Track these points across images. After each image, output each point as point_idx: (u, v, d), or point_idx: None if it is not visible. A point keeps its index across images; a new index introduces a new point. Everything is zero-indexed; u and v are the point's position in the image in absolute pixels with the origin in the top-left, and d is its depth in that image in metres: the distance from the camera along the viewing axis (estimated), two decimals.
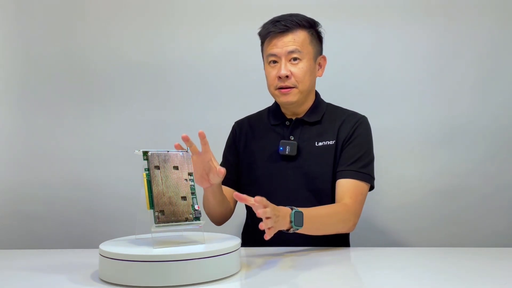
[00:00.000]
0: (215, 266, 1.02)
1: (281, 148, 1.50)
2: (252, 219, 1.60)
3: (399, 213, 2.02)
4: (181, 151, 1.17)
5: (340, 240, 1.52)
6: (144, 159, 1.11)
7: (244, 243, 1.51)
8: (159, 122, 2.10)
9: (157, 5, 2.11)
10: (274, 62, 1.48)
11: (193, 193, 1.13)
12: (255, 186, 1.54)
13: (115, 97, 2.12)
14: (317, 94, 1.59)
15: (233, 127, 1.67)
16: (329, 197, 1.48)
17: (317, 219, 1.31)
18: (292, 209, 1.21)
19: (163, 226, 1.06)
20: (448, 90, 2.01)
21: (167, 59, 2.10)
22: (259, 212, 1.08)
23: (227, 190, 1.57)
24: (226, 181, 1.53)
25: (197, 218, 1.11)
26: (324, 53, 1.57)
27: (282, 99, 1.49)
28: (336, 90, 1.88)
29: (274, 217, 1.12)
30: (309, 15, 1.52)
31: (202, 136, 1.24)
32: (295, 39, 1.46)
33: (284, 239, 1.43)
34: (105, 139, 2.12)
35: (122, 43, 2.12)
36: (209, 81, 2.09)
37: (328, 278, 1.09)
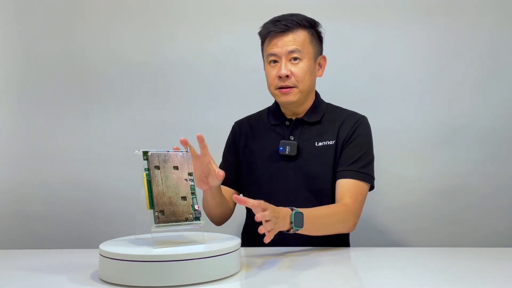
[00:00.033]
0: (215, 266, 1.02)
1: (281, 148, 1.50)
2: (252, 219, 1.60)
3: (399, 213, 2.02)
4: (181, 151, 1.17)
5: (340, 240, 1.52)
6: (144, 159, 1.11)
7: (244, 243, 1.51)
8: (159, 122, 2.10)
9: (157, 5, 2.11)
10: (274, 61, 1.48)
11: (193, 193, 1.13)
12: (255, 186, 1.54)
13: (115, 97, 2.12)
14: (317, 94, 1.59)
15: (233, 127, 1.67)
16: (329, 197, 1.48)
17: (317, 219, 1.31)
18: (292, 209, 1.21)
19: (163, 226, 1.06)
20: (448, 90, 2.01)
21: (167, 59, 2.10)
22: (258, 216, 1.08)
23: (226, 190, 1.57)
24: (226, 181, 1.53)
25: (197, 218, 1.11)
26: (324, 53, 1.57)
27: (282, 99, 1.49)
28: (336, 90, 1.88)
29: (274, 219, 1.12)
30: (309, 15, 1.52)
31: (200, 140, 1.24)
32: (296, 39, 1.46)
33: (284, 239, 1.43)
34: (105, 139, 2.12)
35: (122, 43, 2.12)
36: (209, 81, 2.09)
37: (328, 278, 1.09)
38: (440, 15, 2.01)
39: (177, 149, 1.19)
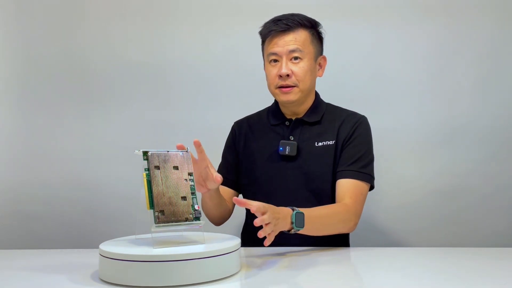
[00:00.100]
0: (215, 266, 1.02)
1: (281, 148, 1.50)
2: (251, 220, 1.59)
3: (399, 213, 2.02)
4: (181, 151, 1.17)
5: (340, 240, 1.52)
6: (144, 159, 1.11)
7: (244, 243, 1.50)
8: (159, 122, 2.10)
9: (157, 5, 2.11)
10: (275, 61, 1.48)
11: (193, 193, 1.13)
12: (255, 187, 1.54)
13: (115, 97, 2.12)
14: (316, 94, 1.59)
15: (233, 127, 1.67)
16: (329, 197, 1.48)
17: (318, 219, 1.31)
18: (293, 210, 1.21)
19: (163, 226, 1.06)
20: (448, 90, 2.01)
21: (167, 59, 2.10)
22: (256, 222, 1.08)
23: (226, 190, 1.57)
24: (225, 182, 1.53)
25: (197, 218, 1.11)
26: (324, 53, 1.57)
27: (283, 98, 1.49)
28: (336, 90, 1.88)
29: (274, 220, 1.12)
30: (309, 15, 1.52)
31: (197, 145, 1.23)
32: (296, 38, 1.46)
33: (284, 239, 1.43)
34: (105, 139, 2.12)
35: (122, 43, 2.12)
36: (209, 81, 2.09)
37: (328, 278, 1.09)
38: (440, 15, 2.01)
39: (181, 147, 1.17)
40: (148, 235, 1.13)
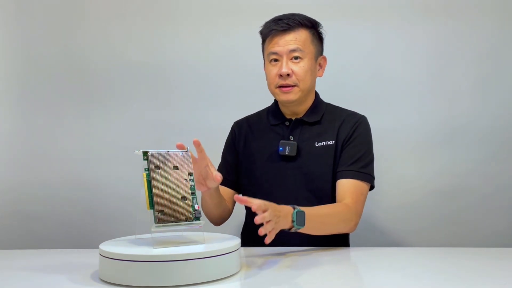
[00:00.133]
0: (215, 266, 1.02)
1: (280, 148, 1.50)
2: (251, 219, 1.59)
3: (399, 213, 2.02)
4: (181, 151, 1.17)
5: (340, 240, 1.52)
6: (144, 159, 1.11)
7: (244, 243, 1.50)
8: (159, 122, 2.10)
9: (157, 5, 2.11)
10: (275, 60, 1.48)
11: (193, 193, 1.13)
12: (255, 187, 1.54)
13: (115, 97, 2.12)
14: (316, 94, 1.59)
15: (232, 128, 1.67)
16: (329, 197, 1.48)
17: (318, 218, 1.31)
18: (294, 208, 1.21)
19: (163, 226, 1.06)
20: (448, 90, 2.01)
21: (167, 59, 2.11)
22: (257, 219, 1.08)
23: (226, 190, 1.57)
24: (225, 182, 1.53)
25: (197, 218, 1.11)
26: (324, 53, 1.57)
27: (283, 98, 1.49)
28: (336, 90, 1.88)
29: (275, 218, 1.12)
30: (309, 15, 1.52)
31: (197, 145, 1.23)
32: (297, 38, 1.46)
33: (284, 239, 1.43)
34: (105, 139, 2.12)
35: (122, 43, 2.12)
36: (209, 81, 2.09)
37: (328, 278, 1.09)
38: (440, 15, 2.01)
39: (181, 146, 1.17)
40: (148, 235, 1.13)
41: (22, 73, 2.15)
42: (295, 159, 1.50)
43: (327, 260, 1.25)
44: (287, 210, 1.19)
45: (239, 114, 1.70)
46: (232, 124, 1.68)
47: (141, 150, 1.11)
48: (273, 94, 1.52)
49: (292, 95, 1.48)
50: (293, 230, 1.22)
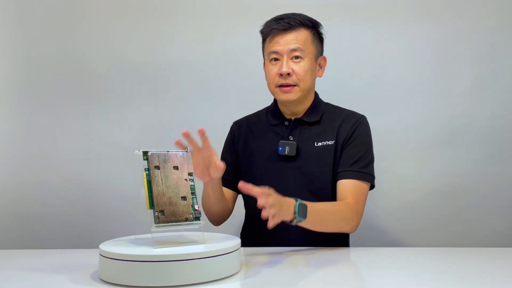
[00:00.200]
0: (215, 266, 1.02)
1: (280, 148, 1.50)
2: (251, 219, 1.60)
3: (399, 213, 2.02)
4: (181, 151, 1.17)
5: (340, 240, 1.52)
6: (144, 159, 1.11)
7: (243, 243, 1.50)
8: (159, 122, 2.10)
9: (157, 5, 2.11)
10: (276, 59, 1.48)
11: (193, 193, 1.13)
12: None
13: (115, 97, 2.12)
14: (316, 94, 1.59)
15: (232, 128, 1.67)
16: (328, 197, 1.48)
17: (320, 214, 1.31)
18: (296, 200, 1.22)
19: (163, 226, 1.06)
20: (448, 90, 2.01)
21: (167, 59, 2.10)
22: (260, 202, 1.09)
23: (225, 191, 1.57)
24: (224, 182, 1.53)
25: (197, 218, 1.11)
26: (324, 53, 1.57)
27: (282, 97, 1.49)
28: (336, 90, 1.88)
29: (278, 205, 1.13)
30: (309, 15, 1.52)
31: (201, 133, 1.26)
32: (298, 38, 1.46)
33: (284, 239, 1.44)
34: (105, 139, 2.12)
35: (122, 43, 2.12)
36: (209, 81, 2.09)
37: (328, 278, 1.09)
38: (440, 15, 2.01)
39: (179, 142, 1.19)
40: (148, 235, 1.13)
41: (22, 73, 2.15)
42: (295, 159, 1.50)
43: (327, 260, 1.25)
44: (289, 201, 1.20)
45: (239, 114, 1.70)
46: (231, 124, 1.68)
47: (141, 150, 1.12)
48: (273, 93, 1.52)
49: (292, 95, 1.47)
50: (294, 222, 1.22)
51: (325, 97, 1.61)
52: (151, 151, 1.12)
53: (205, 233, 1.14)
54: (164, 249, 1.03)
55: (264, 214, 1.10)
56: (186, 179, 1.13)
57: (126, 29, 2.12)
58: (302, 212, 1.22)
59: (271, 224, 1.11)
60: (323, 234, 1.40)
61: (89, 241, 1.96)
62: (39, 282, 1.07)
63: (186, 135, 1.23)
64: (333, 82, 1.87)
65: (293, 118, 1.55)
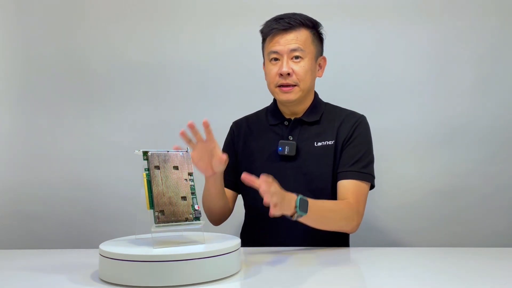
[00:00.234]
0: (215, 266, 1.02)
1: (280, 148, 1.50)
2: (251, 219, 1.60)
3: (399, 213, 2.02)
4: (181, 151, 1.17)
5: (340, 240, 1.52)
6: (144, 159, 1.11)
7: (243, 243, 1.50)
8: (159, 122, 2.10)
9: (157, 5, 2.11)
10: (276, 59, 1.48)
11: (193, 193, 1.13)
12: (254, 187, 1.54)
13: (115, 97, 2.12)
14: (315, 94, 1.59)
15: (231, 128, 1.67)
16: (328, 197, 1.48)
17: (321, 211, 1.31)
18: (297, 195, 1.22)
19: (163, 226, 1.06)
20: (448, 90, 2.01)
21: (167, 59, 2.10)
22: (263, 188, 1.11)
23: (225, 191, 1.56)
24: (224, 182, 1.52)
25: (197, 218, 1.11)
26: (324, 53, 1.57)
27: (282, 97, 1.49)
28: (336, 90, 1.88)
29: (280, 195, 1.15)
30: (309, 15, 1.52)
31: (206, 125, 1.29)
32: (298, 38, 1.46)
33: (284, 239, 1.44)
34: (105, 139, 2.12)
35: (122, 43, 2.12)
36: (209, 81, 2.09)
37: (328, 278, 1.09)
38: (441, 16, 2.01)
39: (178, 148, 1.20)
40: (148, 235, 1.13)
41: (22, 73, 2.15)
42: (295, 159, 1.50)
43: (327, 260, 1.25)
44: (291, 196, 1.21)
45: (239, 114, 1.70)
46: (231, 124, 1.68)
47: (141, 150, 1.12)
48: (273, 93, 1.52)
49: (292, 95, 1.47)
50: (295, 216, 1.22)
51: (325, 97, 1.61)
52: (151, 151, 1.12)
53: (205, 233, 1.14)
54: (164, 249, 1.03)
55: (266, 200, 1.11)
56: (186, 179, 1.13)
57: (126, 29, 2.12)
58: (303, 206, 1.22)
59: (272, 212, 1.13)
60: (323, 234, 1.40)
61: (89, 241, 1.96)
62: (39, 282, 1.07)
63: (191, 127, 1.27)
64: (333, 82, 1.87)
65: (292, 118, 1.55)
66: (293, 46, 1.45)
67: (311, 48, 1.48)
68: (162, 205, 1.08)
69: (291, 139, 1.52)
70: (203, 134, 1.30)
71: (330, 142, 1.50)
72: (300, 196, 1.23)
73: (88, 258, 1.26)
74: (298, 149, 1.50)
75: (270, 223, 1.49)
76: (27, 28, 2.14)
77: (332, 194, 1.48)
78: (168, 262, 0.98)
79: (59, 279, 1.07)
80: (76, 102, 2.13)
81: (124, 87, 2.12)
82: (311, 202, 1.25)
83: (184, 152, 1.17)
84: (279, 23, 1.46)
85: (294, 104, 1.51)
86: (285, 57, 1.46)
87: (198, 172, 1.32)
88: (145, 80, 2.11)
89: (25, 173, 2.12)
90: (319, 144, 1.50)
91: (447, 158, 2.01)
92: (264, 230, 1.51)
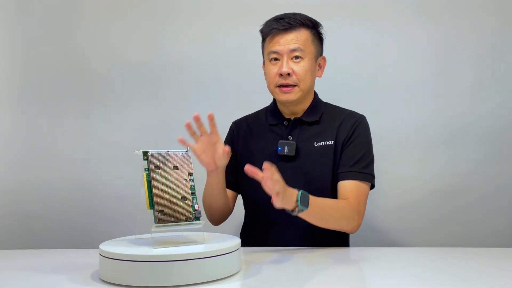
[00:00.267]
0: (215, 266, 1.02)
1: (279, 148, 1.50)
2: (251, 219, 1.60)
3: (399, 213, 2.02)
4: (181, 151, 1.17)
5: (340, 240, 1.52)
6: (144, 159, 1.11)
7: (243, 243, 1.50)
8: (159, 122, 2.10)
9: (157, 5, 2.11)
10: (276, 59, 1.48)
11: (193, 193, 1.13)
12: (254, 187, 1.54)
13: (115, 97, 2.12)
14: (315, 94, 1.59)
15: (231, 127, 1.67)
16: (328, 197, 1.47)
17: (322, 208, 1.32)
18: (299, 190, 1.23)
19: (163, 226, 1.06)
20: (448, 90, 2.01)
21: (167, 59, 2.11)
22: (265, 174, 1.11)
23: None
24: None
25: (197, 218, 1.11)
26: (324, 53, 1.57)
27: (282, 97, 1.49)
28: (336, 90, 1.89)
29: (282, 185, 1.15)
30: (309, 15, 1.52)
31: (211, 118, 1.32)
32: (298, 38, 1.46)
33: (284, 239, 1.44)
34: (105, 139, 2.12)
35: (122, 43, 2.12)
36: (209, 81, 2.09)
37: (328, 278, 1.09)
38: (441, 16, 2.01)
39: (182, 140, 1.21)
40: (148, 235, 1.13)
41: (22, 73, 2.15)
42: (294, 159, 1.50)
43: (327, 260, 1.25)
44: (292, 190, 1.21)
45: (239, 114, 1.70)
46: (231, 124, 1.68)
47: (141, 150, 1.12)
48: (273, 93, 1.52)
49: (292, 95, 1.47)
50: (296, 211, 1.22)
51: (325, 97, 1.61)
52: (151, 151, 1.12)
53: (205, 233, 1.14)
54: (164, 249, 1.03)
55: (268, 185, 1.12)
56: (186, 179, 1.13)
57: (126, 29, 2.12)
58: (304, 201, 1.22)
59: (274, 201, 1.13)
60: (323, 234, 1.40)
61: (89, 241, 1.97)
62: (39, 282, 1.07)
63: (197, 119, 1.29)
64: (333, 82, 1.87)
65: (292, 118, 1.55)
66: (293, 46, 1.45)
67: (311, 48, 1.48)
68: (162, 205, 1.08)
69: (291, 139, 1.52)
70: (207, 127, 1.32)
71: (329, 142, 1.50)
72: (301, 190, 1.23)
73: (88, 258, 1.26)
74: (297, 149, 1.50)
75: (270, 223, 1.49)
76: (27, 28, 2.14)
77: (332, 194, 1.48)
78: (168, 262, 0.98)
79: (59, 279, 1.07)
80: (76, 102, 2.13)
81: (124, 87, 2.12)
82: (312, 198, 1.26)
83: (184, 152, 1.17)
84: (279, 23, 1.46)
85: (294, 104, 1.51)
86: (285, 57, 1.46)
87: (198, 172, 1.31)
88: (145, 80, 2.11)
89: (25, 173, 2.12)
90: (319, 144, 1.50)
91: (447, 158, 2.01)
92: (264, 230, 1.51)
